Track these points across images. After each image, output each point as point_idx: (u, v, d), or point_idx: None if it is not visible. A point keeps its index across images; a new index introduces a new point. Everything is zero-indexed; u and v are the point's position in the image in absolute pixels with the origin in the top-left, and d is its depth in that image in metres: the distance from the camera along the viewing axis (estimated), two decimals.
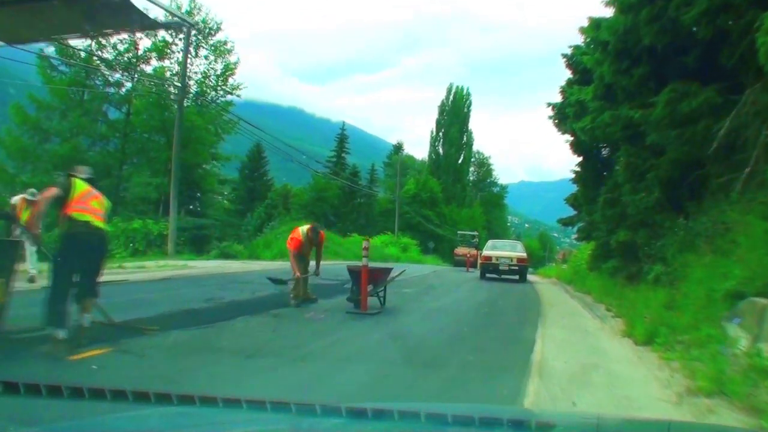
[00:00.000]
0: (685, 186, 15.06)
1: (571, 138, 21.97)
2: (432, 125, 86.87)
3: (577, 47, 21.80)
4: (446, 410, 2.41)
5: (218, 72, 32.36)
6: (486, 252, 25.41)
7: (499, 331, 10.27)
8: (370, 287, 12.05)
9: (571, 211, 26.29)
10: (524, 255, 25.23)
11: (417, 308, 13.09)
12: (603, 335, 10.12)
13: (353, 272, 12.20)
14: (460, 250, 51.71)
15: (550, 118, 22.00)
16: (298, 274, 12.01)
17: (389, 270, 13.11)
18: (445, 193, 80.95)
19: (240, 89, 32.79)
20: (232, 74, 32.65)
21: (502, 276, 24.02)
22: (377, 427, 2.29)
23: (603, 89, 17.41)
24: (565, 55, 21.59)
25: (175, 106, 31.39)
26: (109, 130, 34.03)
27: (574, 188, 25.02)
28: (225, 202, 64.94)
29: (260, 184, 71.75)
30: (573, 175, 23.10)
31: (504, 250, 25.33)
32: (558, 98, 22.49)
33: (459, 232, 65.90)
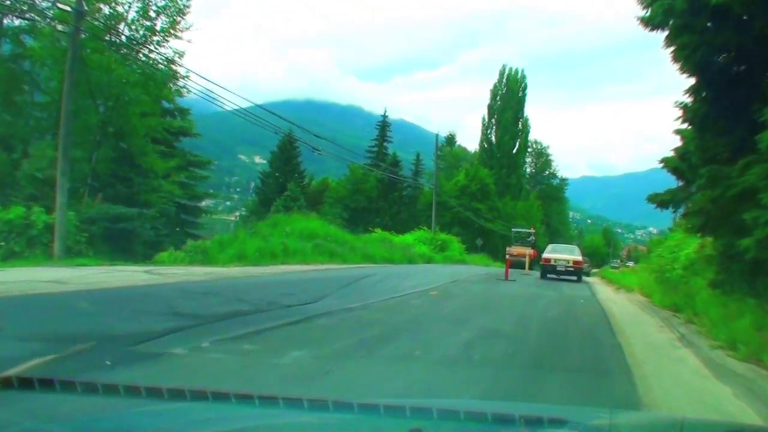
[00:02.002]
0: None
1: (673, 47, 11.12)
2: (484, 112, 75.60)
3: None
4: (459, 407, 2.30)
5: (159, 6, 22.10)
6: (546, 255, 25.96)
7: None
8: None
9: (663, 182, 15.35)
10: (580, 258, 25.97)
11: None
12: None
13: None
14: (514, 249, 42.13)
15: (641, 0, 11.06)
16: None
17: None
18: (498, 185, 69.73)
19: (190, 30, 22.63)
20: (182, 14, 22.55)
21: (561, 277, 24.35)
22: (389, 423, 2.13)
23: None
24: None
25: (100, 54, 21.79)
26: (41, 93, 24.81)
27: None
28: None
29: (292, 177, 62.38)
30: (679, 115, 12.06)
31: (562, 254, 25.82)
32: None
33: (514, 229, 55.11)
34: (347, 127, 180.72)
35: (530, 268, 42.48)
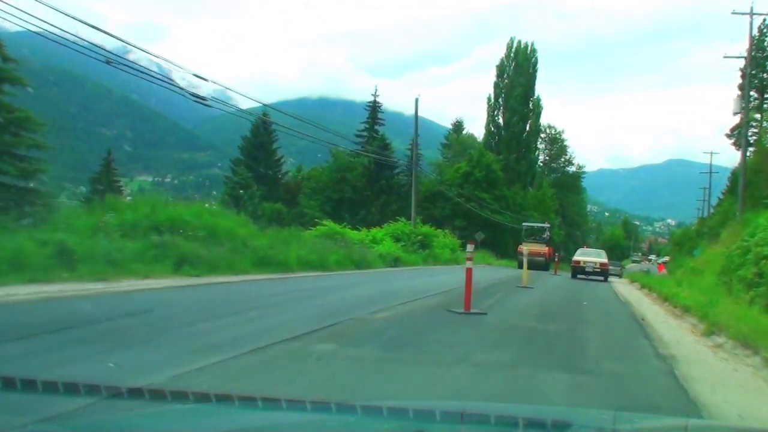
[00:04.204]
0: None
1: None
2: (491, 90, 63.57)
3: None
4: (461, 408, 2.24)
5: None
6: (576, 257, 27.36)
7: None
8: None
9: None
10: (606, 261, 27.42)
11: None
12: None
13: None
14: (527, 247, 31.82)
15: None
16: None
17: None
18: (507, 172, 58.01)
19: None
20: None
21: (589, 277, 25.21)
22: (392, 425, 2.02)
23: None
24: None
25: None
26: None
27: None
28: None
29: (266, 165, 51.52)
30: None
31: (590, 257, 27.45)
32: None
33: (525, 224, 43.99)
34: (359, 123, 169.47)
35: (543, 269, 31.59)
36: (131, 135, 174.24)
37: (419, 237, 29.83)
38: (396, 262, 24.01)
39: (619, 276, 36.85)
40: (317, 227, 25.65)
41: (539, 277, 24.43)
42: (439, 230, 34.36)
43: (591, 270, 25.54)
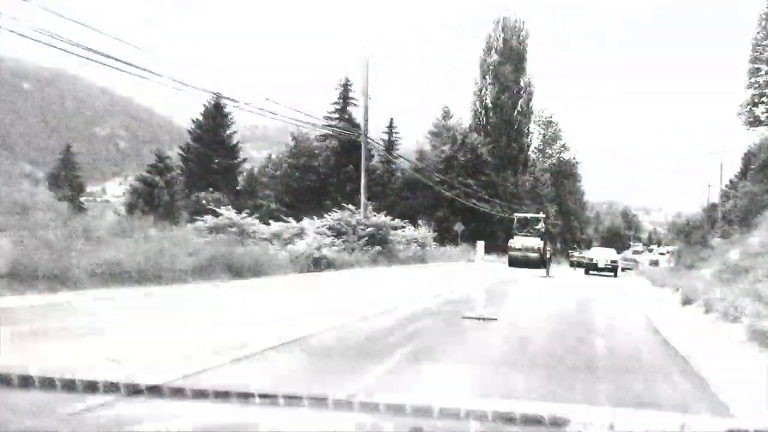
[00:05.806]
0: None
1: None
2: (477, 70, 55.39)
3: None
4: (460, 405, 2.07)
5: None
6: (588, 255, 31.22)
7: None
8: None
9: None
10: (616, 258, 29.97)
11: None
12: None
13: None
14: (518, 242, 31.35)
15: None
16: None
17: None
18: (496, 158, 50.25)
19: None
20: None
21: (601, 273, 27.38)
22: (390, 421, 1.93)
23: None
24: None
25: None
26: None
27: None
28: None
29: (221, 152, 43.72)
30: None
31: (602, 254, 30.22)
32: None
33: (517, 214, 36.43)
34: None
35: (537, 266, 24.46)
36: (125, 134, 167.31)
37: (369, 229, 21.95)
38: (318, 264, 16.17)
39: (631, 269, 38.37)
40: (208, 216, 17.87)
41: (527, 281, 16.70)
42: (397, 220, 26.40)
43: (603, 266, 28.18)
